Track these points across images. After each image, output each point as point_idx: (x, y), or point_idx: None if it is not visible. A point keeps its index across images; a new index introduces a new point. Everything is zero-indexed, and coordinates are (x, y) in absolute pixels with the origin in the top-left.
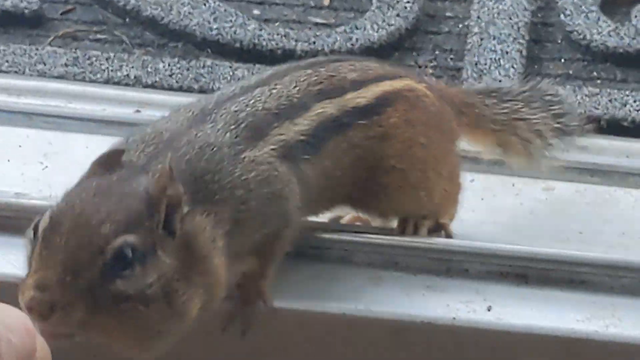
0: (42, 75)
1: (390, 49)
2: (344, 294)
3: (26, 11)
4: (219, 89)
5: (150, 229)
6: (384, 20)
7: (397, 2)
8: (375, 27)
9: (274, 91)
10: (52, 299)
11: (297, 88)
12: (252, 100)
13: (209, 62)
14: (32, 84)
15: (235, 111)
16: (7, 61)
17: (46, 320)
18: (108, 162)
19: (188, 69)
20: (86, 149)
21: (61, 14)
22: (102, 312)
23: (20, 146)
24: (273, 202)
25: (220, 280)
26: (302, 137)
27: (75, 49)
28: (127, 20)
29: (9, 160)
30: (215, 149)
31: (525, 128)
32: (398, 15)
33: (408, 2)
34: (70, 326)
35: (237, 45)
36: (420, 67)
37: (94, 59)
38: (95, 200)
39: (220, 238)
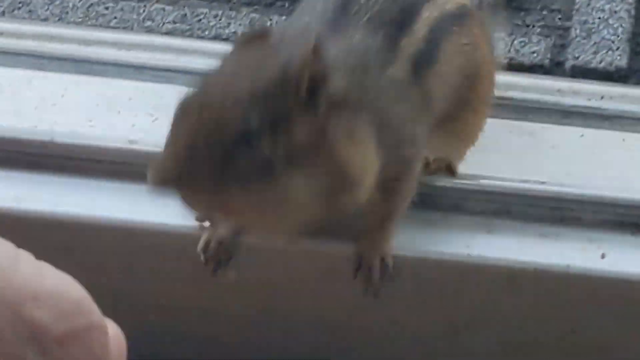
0: (150, 32)
1: (496, 9)
2: (456, 241)
3: None
4: None
5: (287, 102)
6: None
7: None
8: None
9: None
10: (174, 176)
11: None
12: (378, 7)
13: None
14: (142, 38)
15: (369, 18)
16: (115, 17)
17: (178, 190)
18: (251, 41)
19: None
20: None
21: None
22: (230, 185)
23: (130, 99)
24: (407, 123)
25: (355, 175)
26: (422, 45)
27: (184, 7)
28: None
29: (119, 112)
30: (363, 54)
31: None
32: None
33: None
34: (197, 203)
35: None
36: (528, 26)
37: (201, 16)
38: (227, 75)
39: (364, 135)
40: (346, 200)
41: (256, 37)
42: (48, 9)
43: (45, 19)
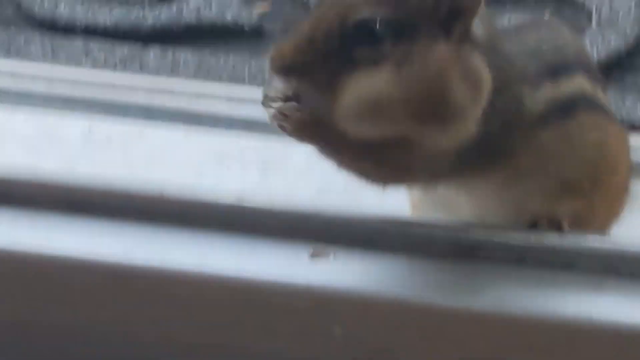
0: (261, 86)
1: (609, 68)
2: (564, 300)
3: (246, 25)
4: None
5: (421, 14)
6: (603, 40)
7: (617, 22)
8: (595, 46)
9: (558, 42)
10: (287, 61)
11: (573, 48)
12: (541, 44)
13: None
14: (253, 92)
15: (530, 47)
16: (226, 71)
17: (289, 74)
18: None
19: None
20: (305, 157)
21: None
22: (342, 76)
23: (240, 153)
24: (503, 130)
25: (453, 108)
26: (561, 98)
27: None
28: None
29: (229, 167)
30: (513, 59)
31: None
32: (618, 35)
33: (628, 22)
34: (306, 87)
35: None
36: None
37: None
38: None
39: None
40: (441, 135)
41: None
42: (160, 62)
43: (157, 73)
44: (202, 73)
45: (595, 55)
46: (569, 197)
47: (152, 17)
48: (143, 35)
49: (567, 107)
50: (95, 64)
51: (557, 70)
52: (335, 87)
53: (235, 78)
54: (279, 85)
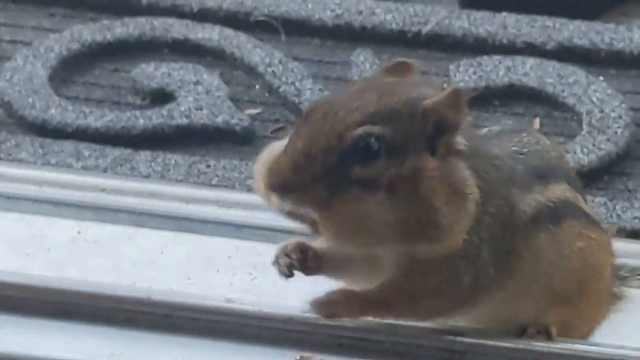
0: (251, 191)
1: (600, 173)
2: None
3: (237, 128)
4: None
5: (409, 132)
6: (594, 145)
7: (608, 127)
8: (586, 151)
9: (538, 147)
10: (284, 181)
11: (553, 154)
12: (523, 148)
13: None
14: (242, 196)
15: (514, 151)
16: (217, 176)
17: (287, 196)
18: (394, 70)
19: None
20: None
21: (271, 132)
22: (337, 195)
23: (229, 257)
24: (489, 247)
25: (459, 219)
26: (550, 204)
27: None
28: None
29: (218, 271)
30: (499, 163)
31: None
32: (608, 140)
33: (618, 127)
34: (302, 205)
35: None
36: (630, 191)
37: None
38: (354, 94)
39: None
40: (428, 244)
41: (397, 67)
42: (150, 165)
43: (147, 176)
44: (192, 177)
45: (585, 160)
46: (558, 306)
47: (143, 119)
48: (134, 138)
49: (556, 214)
50: (85, 168)
51: (543, 175)
52: (331, 206)
53: (225, 182)
54: (276, 202)
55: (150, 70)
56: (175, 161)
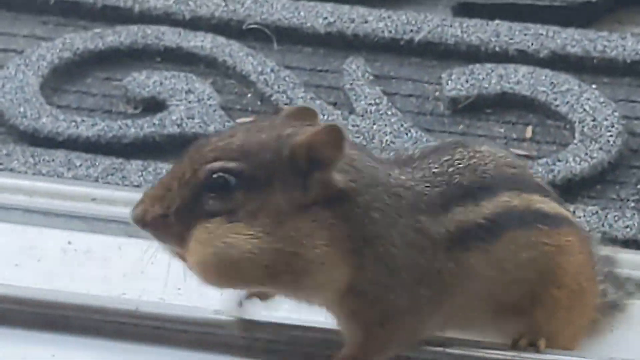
0: None
1: (592, 182)
2: None
3: None
4: None
5: (275, 167)
6: (586, 154)
7: (600, 136)
8: (578, 159)
9: (473, 161)
10: (142, 213)
11: (493, 164)
12: (451, 167)
13: None
14: None
15: (434, 172)
16: None
17: (145, 228)
18: (297, 115)
19: None
20: None
21: None
22: (190, 226)
23: None
24: (409, 273)
25: (312, 268)
26: (482, 221)
27: None
28: None
29: None
30: (402, 191)
31: None
32: (601, 148)
33: (611, 136)
34: (163, 234)
35: None
36: (622, 200)
37: None
38: (229, 133)
39: (342, 243)
40: (297, 288)
41: (300, 113)
42: (142, 175)
43: (139, 185)
44: None
45: (577, 168)
46: (516, 317)
47: (134, 128)
48: (125, 147)
49: (490, 229)
50: (76, 177)
51: (477, 190)
52: (187, 239)
53: None
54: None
55: (142, 79)
56: (167, 170)
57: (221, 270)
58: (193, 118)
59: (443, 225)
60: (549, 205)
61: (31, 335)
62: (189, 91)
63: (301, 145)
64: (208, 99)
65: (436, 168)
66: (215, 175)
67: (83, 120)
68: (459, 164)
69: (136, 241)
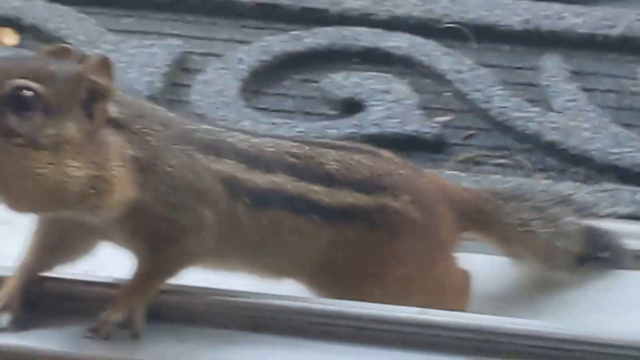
0: None
1: None
2: None
3: (428, 136)
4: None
5: (64, 94)
6: None
7: None
8: None
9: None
10: None
11: (274, 149)
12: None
13: (610, 186)
14: None
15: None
16: None
17: None
18: (55, 54)
19: (588, 193)
20: None
21: (463, 139)
22: None
23: None
24: (190, 193)
25: (113, 188)
26: (255, 187)
27: (477, 173)
28: (528, 145)
29: None
30: (177, 123)
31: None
32: None
33: None
34: None
35: (638, 170)
36: None
37: (495, 183)
38: (16, 57)
39: (130, 163)
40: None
41: (58, 52)
42: None
43: None
44: None
45: None
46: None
47: (334, 129)
48: None
49: (261, 198)
50: None
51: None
52: None
53: None
54: None
55: (340, 80)
56: None
57: (36, 199)
58: (392, 118)
59: (219, 164)
60: (333, 198)
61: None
62: (387, 91)
63: (83, 75)
64: (406, 99)
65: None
66: (20, 92)
67: (283, 122)
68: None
69: None
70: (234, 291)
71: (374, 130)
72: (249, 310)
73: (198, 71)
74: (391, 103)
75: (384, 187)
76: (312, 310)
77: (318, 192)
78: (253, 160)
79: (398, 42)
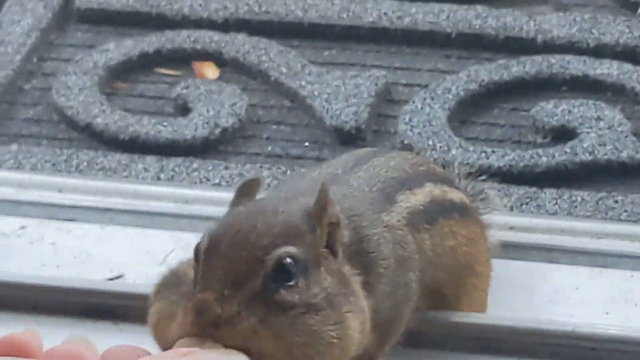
0: None
1: None
2: None
3: None
4: None
5: (313, 245)
6: None
7: None
8: None
9: (392, 163)
10: (212, 318)
11: (408, 164)
12: (377, 168)
13: None
14: None
15: (368, 176)
16: (625, 211)
17: (213, 336)
18: (248, 190)
19: None
20: None
21: None
22: (269, 322)
23: None
24: (403, 268)
25: (367, 317)
26: (421, 207)
27: None
28: None
29: (636, 304)
30: (358, 201)
31: None
32: None
33: None
34: (237, 338)
35: None
36: None
37: None
38: (252, 218)
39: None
40: (364, 339)
41: (250, 185)
42: (556, 203)
43: (554, 213)
44: (601, 213)
45: None
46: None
47: (545, 157)
48: (538, 176)
49: (428, 214)
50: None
51: (405, 183)
52: (264, 335)
53: (634, 217)
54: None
55: (549, 108)
56: (582, 197)
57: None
58: (605, 145)
59: (397, 216)
60: (457, 195)
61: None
62: (598, 118)
63: (319, 213)
64: (618, 126)
65: (363, 174)
66: (283, 262)
67: (493, 151)
68: (382, 169)
69: (560, 267)
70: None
71: (587, 157)
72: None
73: (404, 101)
74: (604, 130)
75: (452, 180)
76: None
77: (449, 192)
78: (405, 181)
79: (607, 69)
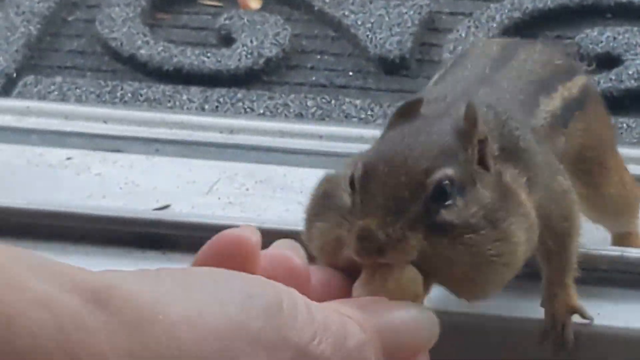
0: None
1: None
2: None
3: None
4: None
5: (466, 164)
6: None
7: None
8: None
9: (530, 62)
10: (377, 243)
11: (539, 65)
12: (520, 68)
13: None
14: None
15: (514, 75)
16: None
17: (382, 259)
18: (408, 112)
19: None
20: None
21: None
22: (432, 243)
23: None
24: (556, 178)
25: (534, 220)
26: (558, 111)
27: None
28: None
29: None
30: (509, 103)
31: None
32: None
33: None
34: (407, 255)
35: None
36: None
37: None
38: (405, 143)
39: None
40: (532, 244)
41: (410, 107)
42: None
43: None
44: None
45: None
46: None
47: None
48: None
49: (580, 101)
50: None
51: (544, 87)
52: (433, 252)
53: None
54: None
55: (594, 35)
56: (628, 125)
57: (499, 281)
58: None
59: (541, 121)
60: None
61: None
62: None
63: (470, 131)
64: None
65: (508, 73)
66: (442, 184)
67: None
68: (523, 71)
69: None
70: None
71: (632, 84)
72: None
73: (448, 30)
74: None
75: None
76: None
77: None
78: (542, 84)
79: None
